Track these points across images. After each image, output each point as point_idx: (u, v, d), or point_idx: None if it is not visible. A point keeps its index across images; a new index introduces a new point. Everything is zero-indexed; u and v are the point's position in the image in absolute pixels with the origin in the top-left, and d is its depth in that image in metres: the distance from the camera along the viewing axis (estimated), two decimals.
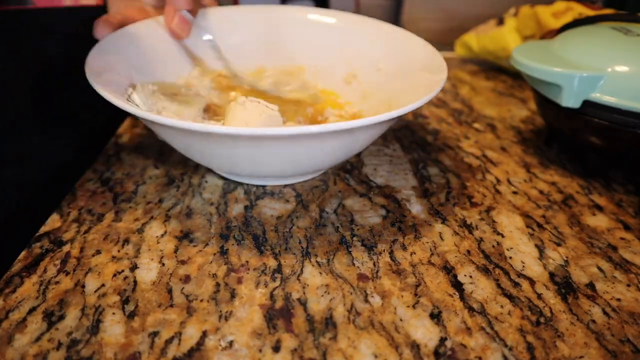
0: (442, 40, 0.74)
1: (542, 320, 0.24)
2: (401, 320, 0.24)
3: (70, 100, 0.44)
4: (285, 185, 0.35)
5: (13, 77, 0.38)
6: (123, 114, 0.47)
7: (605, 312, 0.25)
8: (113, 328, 0.23)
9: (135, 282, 0.26)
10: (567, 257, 0.29)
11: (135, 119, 0.45)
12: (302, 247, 0.29)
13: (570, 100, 0.35)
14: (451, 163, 0.39)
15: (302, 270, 0.27)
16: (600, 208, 0.34)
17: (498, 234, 0.31)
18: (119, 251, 0.28)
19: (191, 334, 0.23)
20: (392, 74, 0.40)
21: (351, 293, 0.26)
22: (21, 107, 0.39)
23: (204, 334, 0.23)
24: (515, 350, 0.23)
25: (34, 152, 0.41)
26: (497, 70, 0.67)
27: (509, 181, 0.37)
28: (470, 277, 0.27)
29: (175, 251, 0.28)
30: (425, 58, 0.38)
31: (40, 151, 0.41)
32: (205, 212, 0.32)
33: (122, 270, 0.26)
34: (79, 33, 0.43)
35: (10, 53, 0.38)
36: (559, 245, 0.30)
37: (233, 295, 0.25)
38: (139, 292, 0.25)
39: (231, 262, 0.27)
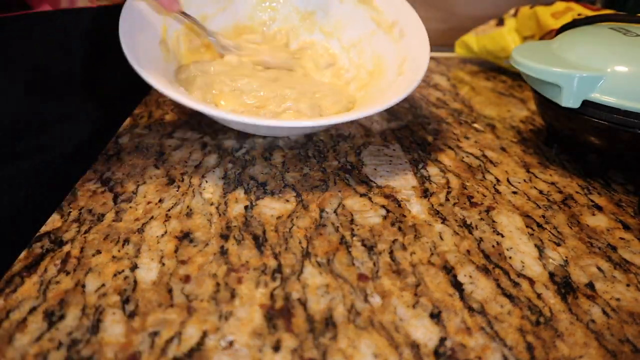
0: (442, 41, 0.74)
1: (541, 320, 0.24)
2: (401, 320, 0.24)
3: (72, 99, 0.44)
4: (285, 186, 0.35)
5: (14, 79, 0.38)
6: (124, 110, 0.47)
7: (604, 312, 0.25)
8: (113, 328, 0.23)
9: (135, 282, 0.26)
10: (566, 257, 0.29)
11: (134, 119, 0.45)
12: (302, 247, 0.29)
13: (569, 100, 0.35)
14: (451, 163, 0.39)
15: (302, 270, 0.27)
16: (599, 208, 0.34)
17: (498, 233, 0.31)
18: (119, 251, 0.28)
19: (191, 333, 0.23)
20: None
21: (351, 293, 0.26)
22: (19, 108, 0.39)
23: (204, 334, 0.23)
24: (515, 350, 0.23)
25: (35, 151, 0.41)
26: (497, 70, 0.67)
27: (508, 181, 0.37)
28: (470, 277, 0.27)
29: (176, 251, 0.28)
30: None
31: (40, 151, 0.41)
32: (205, 212, 0.32)
33: (123, 270, 0.26)
34: (79, 34, 0.43)
35: (16, 57, 0.38)
36: (558, 245, 0.30)
37: (233, 295, 0.25)
38: (139, 292, 0.25)
39: (231, 262, 0.27)
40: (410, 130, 0.45)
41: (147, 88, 0.53)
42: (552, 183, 0.37)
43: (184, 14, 0.42)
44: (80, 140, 0.45)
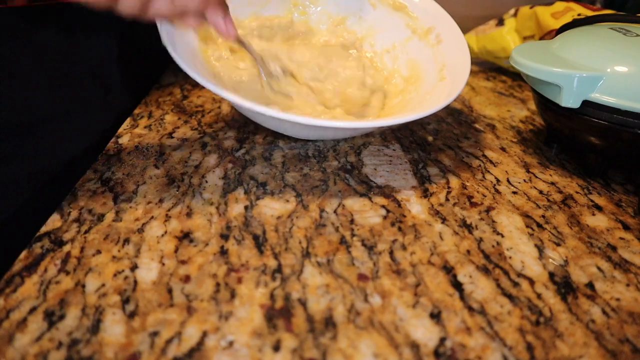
0: None
1: (541, 320, 0.24)
2: (401, 320, 0.24)
3: (85, 94, 0.44)
4: (285, 186, 0.35)
5: (27, 73, 0.38)
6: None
7: (604, 312, 0.25)
8: (113, 328, 0.23)
9: (135, 282, 0.26)
10: (566, 257, 0.29)
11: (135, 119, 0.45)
12: (302, 247, 0.29)
13: (569, 100, 0.35)
14: (451, 163, 0.39)
15: (302, 270, 0.27)
16: (599, 208, 0.34)
17: (498, 233, 0.31)
18: (119, 251, 0.28)
19: (191, 333, 0.23)
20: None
21: (351, 293, 0.26)
22: (31, 104, 0.39)
23: (204, 334, 0.23)
24: (515, 350, 0.23)
25: (39, 150, 0.41)
26: (497, 70, 0.67)
27: (508, 181, 0.37)
28: (470, 277, 0.27)
29: (176, 251, 0.28)
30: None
31: (46, 149, 0.41)
32: (205, 212, 0.32)
33: (123, 270, 0.26)
34: (96, 26, 0.43)
35: (29, 48, 0.38)
36: (558, 245, 0.30)
37: (233, 295, 0.25)
38: (139, 292, 0.25)
39: (231, 262, 0.27)
40: (410, 130, 0.45)
41: (149, 87, 0.53)
42: (552, 183, 0.37)
43: (239, 41, 0.41)
44: (84, 140, 0.45)
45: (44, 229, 0.29)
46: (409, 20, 0.47)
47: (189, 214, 0.31)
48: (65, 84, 0.42)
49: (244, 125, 0.44)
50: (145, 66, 0.55)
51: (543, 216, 0.33)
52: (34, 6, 0.37)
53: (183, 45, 0.37)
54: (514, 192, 0.36)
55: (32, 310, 0.24)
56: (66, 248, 0.28)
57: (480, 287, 0.26)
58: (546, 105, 0.38)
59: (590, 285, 0.27)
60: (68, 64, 0.42)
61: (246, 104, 0.31)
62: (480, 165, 0.39)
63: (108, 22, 0.45)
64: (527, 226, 0.32)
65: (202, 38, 0.42)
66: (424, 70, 0.45)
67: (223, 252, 0.28)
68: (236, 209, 0.32)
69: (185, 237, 0.29)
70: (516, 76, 0.63)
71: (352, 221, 0.31)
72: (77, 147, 0.44)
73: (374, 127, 0.36)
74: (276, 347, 0.22)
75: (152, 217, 0.31)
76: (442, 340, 0.23)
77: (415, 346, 0.23)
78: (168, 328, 0.23)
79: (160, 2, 0.31)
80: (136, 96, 0.51)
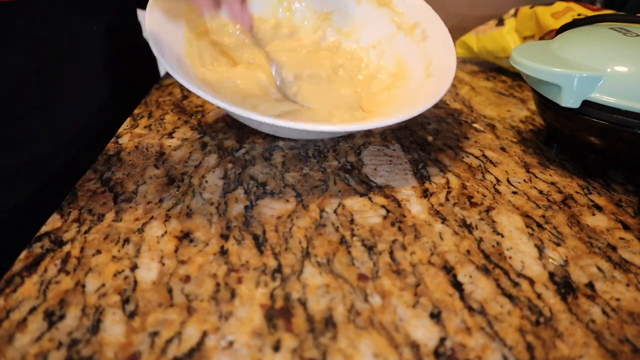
0: None
1: (541, 320, 0.24)
2: (401, 320, 0.24)
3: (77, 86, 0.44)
4: (285, 186, 0.35)
5: (21, 59, 0.38)
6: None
7: (604, 312, 0.25)
8: (113, 328, 0.23)
9: (135, 282, 0.26)
10: (566, 257, 0.29)
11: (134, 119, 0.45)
12: (302, 247, 0.29)
13: (569, 100, 0.35)
14: (451, 163, 0.39)
15: (302, 270, 0.27)
16: (599, 208, 0.34)
17: (498, 234, 0.31)
18: (119, 251, 0.28)
19: (191, 333, 0.23)
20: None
21: (351, 293, 0.26)
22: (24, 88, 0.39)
23: (204, 334, 0.23)
24: (515, 350, 0.23)
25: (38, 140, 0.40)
26: (497, 70, 0.67)
27: (508, 181, 0.37)
28: (470, 277, 0.27)
29: (176, 251, 0.28)
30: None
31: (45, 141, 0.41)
32: (205, 212, 0.32)
33: (123, 270, 0.26)
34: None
35: (25, 42, 0.37)
36: (558, 245, 0.30)
37: (233, 295, 0.25)
38: (139, 292, 0.25)
39: (231, 262, 0.27)
40: (410, 130, 0.45)
41: (149, 87, 0.53)
42: (552, 183, 0.37)
43: (252, 35, 0.41)
44: (84, 140, 0.44)
45: (44, 229, 0.29)
46: (394, 15, 0.47)
47: (189, 214, 0.31)
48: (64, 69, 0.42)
49: (244, 125, 0.44)
50: (146, 65, 0.55)
51: (543, 216, 0.33)
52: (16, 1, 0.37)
53: (171, 54, 0.37)
54: (514, 192, 0.36)
55: (32, 310, 0.24)
56: (66, 248, 0.28)
57: (480, 287, 0.26)
58: (546, 105, 0.38)
59: (590, 285, 0.27)
60: (68, 62, 0.42)
61: (253, 116, 0.32)
62: (480, 165, 0.39)
63: (109, 21, 0.45)
64: (527, 226, 0.32)
65: (189, 54, 0.42)
66: (410, 66, 0.45)
67: (223, 252, 0.28)
68: (236, 209, 0.32)
69: (185, 237, 0.29)
70: (516, 76, 0.63)
71: (352, 221, 0.31)
72: (77, 146, 0.44)
73: (352, 130, 0.35)
74: (276, 347, 0.22)
75: (152, 217, 0.31)
76: (442, 340, 0.23)
77: (415, 346, 0.23)
78: (168, 328, 0.23)
79: None
80: (136, 96, 0.51)
